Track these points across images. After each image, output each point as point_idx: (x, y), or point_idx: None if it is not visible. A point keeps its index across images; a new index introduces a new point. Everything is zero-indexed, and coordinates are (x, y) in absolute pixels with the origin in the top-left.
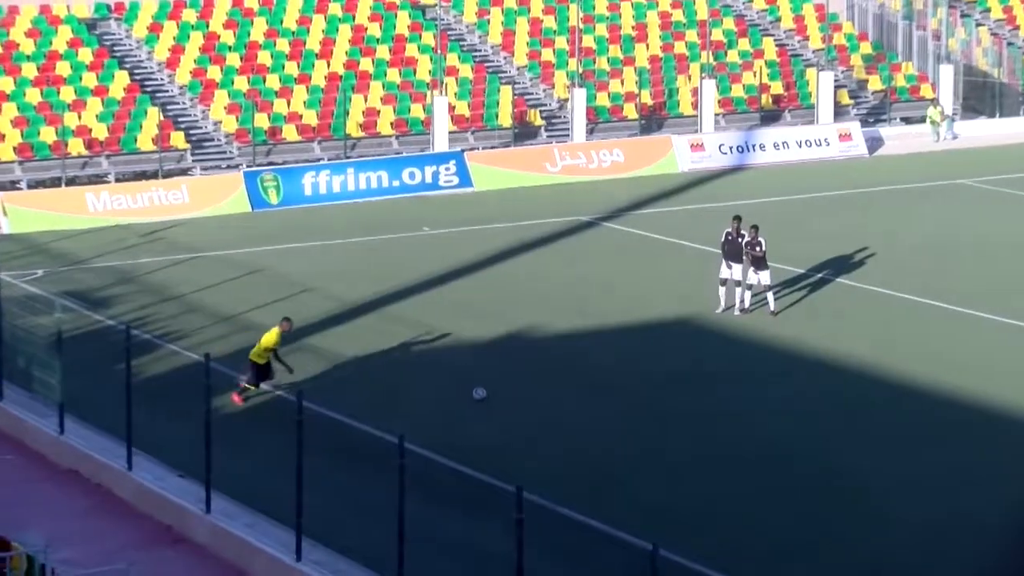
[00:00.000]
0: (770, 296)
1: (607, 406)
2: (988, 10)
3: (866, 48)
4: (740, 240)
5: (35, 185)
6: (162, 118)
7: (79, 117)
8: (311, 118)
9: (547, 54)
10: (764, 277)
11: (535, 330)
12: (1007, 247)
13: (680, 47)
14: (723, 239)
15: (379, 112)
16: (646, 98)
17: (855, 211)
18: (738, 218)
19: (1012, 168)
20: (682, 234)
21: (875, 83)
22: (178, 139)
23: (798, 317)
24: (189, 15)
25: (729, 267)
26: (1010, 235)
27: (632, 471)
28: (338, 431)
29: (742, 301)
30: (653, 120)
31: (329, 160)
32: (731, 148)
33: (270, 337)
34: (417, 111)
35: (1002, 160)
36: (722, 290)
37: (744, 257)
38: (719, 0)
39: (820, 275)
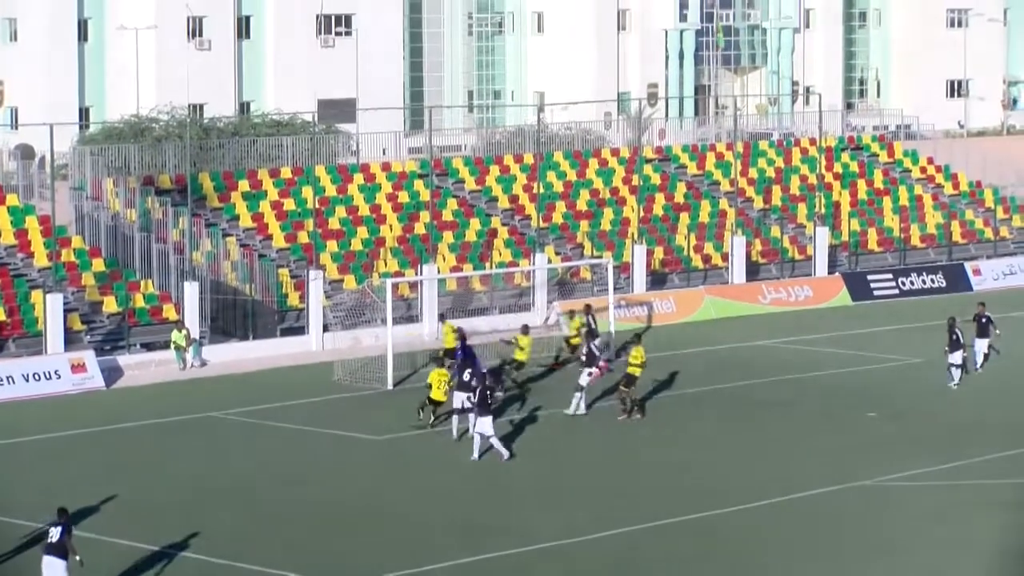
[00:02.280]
0: None
1: None
2: (237, 218)
3: (99, 265)
4: None
5: None
6: None
7: None
8: None
9: None
10: None
11: None
12: (267, 488)
13: None
14: None
15: None
16: None
17: (91, 453)
18: None
19: (269, 396)
20: None
21: (111, 305)
22: None
23: None
24: None
25: None
26: (274, 474)
27: None
28: None
29: None
30: None
31: None
32: None
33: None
34: None
35: (258, 387)
36: None
37: None
38: None
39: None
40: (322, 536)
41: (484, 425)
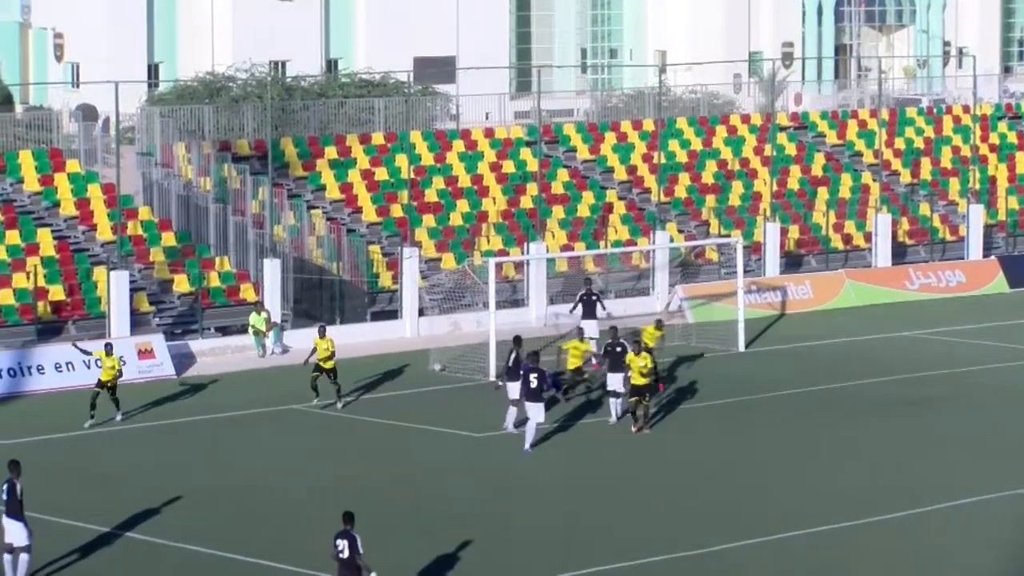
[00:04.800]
0: None
1: None
2: (323, 189)
3: (169, 239)
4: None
5: None
6: None
7: None
8: None
9: None
10: None
11: None
12: (352, 491)
13: None
14: None
15: None
16: None
17: (158, 448)
18: (14, 464)
19: (357, 387)
20: None
21: (182, 284)
22: None
23: None
24: None
25: None
26: (360, 475)
27: None
28: None
29: None
30: None
31: None
32: (1, 371)
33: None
34: None
35: (346, 377)
36: None
37: None
38: None
39: (98, 528)
40: (411, 541)
41: (535, 412)
